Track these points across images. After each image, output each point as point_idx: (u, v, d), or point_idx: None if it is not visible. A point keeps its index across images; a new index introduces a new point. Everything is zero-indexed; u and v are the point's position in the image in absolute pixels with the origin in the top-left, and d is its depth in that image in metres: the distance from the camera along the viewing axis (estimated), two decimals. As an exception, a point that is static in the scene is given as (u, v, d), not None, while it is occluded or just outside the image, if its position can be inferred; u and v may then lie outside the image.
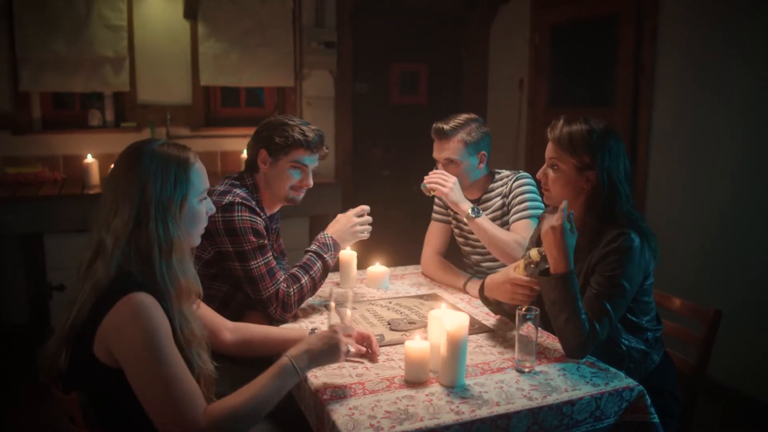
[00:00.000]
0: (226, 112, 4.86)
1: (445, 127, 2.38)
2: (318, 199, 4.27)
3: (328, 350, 1.56)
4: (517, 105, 4.78)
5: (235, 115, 4.86)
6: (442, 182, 2.33)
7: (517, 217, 2.36)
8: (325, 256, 2.14)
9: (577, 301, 1.73)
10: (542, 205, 2.38)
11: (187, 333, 1.48)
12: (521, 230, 2.32)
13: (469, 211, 2.29)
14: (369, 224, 2.26)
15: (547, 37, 4.53)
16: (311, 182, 2.21)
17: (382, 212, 5.28)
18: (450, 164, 2.40)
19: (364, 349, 1.79)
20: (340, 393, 1.57)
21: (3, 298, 4.00)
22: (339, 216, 2.27)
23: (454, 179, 2.34)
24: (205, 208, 1.57)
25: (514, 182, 2.43)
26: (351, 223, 2.22)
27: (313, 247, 2.16)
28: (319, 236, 2.19)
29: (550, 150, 1.91)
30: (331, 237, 2.18)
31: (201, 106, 4.63)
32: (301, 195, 2.22)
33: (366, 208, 2.27)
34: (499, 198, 2.45)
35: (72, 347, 1.40)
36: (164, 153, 1.48)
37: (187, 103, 4.57)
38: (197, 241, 1.59)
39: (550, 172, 1.91)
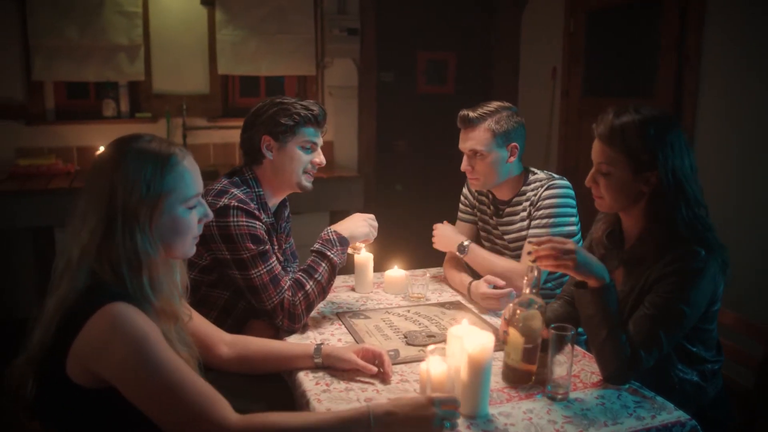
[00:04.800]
0: (245, 102, 4.70)
1: (471, 114, 2.14)
2: (339, 194, 4.11)
3: (416, 422, 1.27)
4: (550, 95, 4.54)
5: (254, 105, 4.65)
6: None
7: (532, 234, 2.11)
8: (329, 254, 1.93)
9: (617, 318, 1.52)
10: (569, 220, 2.11)
11: None
12: (525, 256, 2.10)
13: (456, 251, 2.26)
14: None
15: (582, 24, 4.29)
16: (323, 159, 2.05)
17: (405, 210, 5.12)
18: (475, 156, 2.16)
19: (375, 369, 1.60)
20: (345, 422, 1.38)
21: (13, 292, 3.92)
22: (354, 215, 2.10)
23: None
24: (196, 216, 1.36)
25: (544, 191, 2.15)
26: (362, 218, 2.06)
27: (316, 245, 1.96)
28: (322, 233, 1.99)
29: (597, 151, 1.62)
30: (334, 232, 1.97)
31: (219, 95, 4.48)
32: (312, 179, 2.04)
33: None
34: (527, 205, 2.19)
35: (41, 371, 1.24)
36: (141, 151, 1.29)
37: (204, 93, 4.42)
38: (189, 251, 1.38)
39: (601, 178, 1.62)
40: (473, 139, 2.14)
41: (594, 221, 1.87)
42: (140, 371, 1.17)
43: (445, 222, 2.36)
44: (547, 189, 2.15)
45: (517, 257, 2.20)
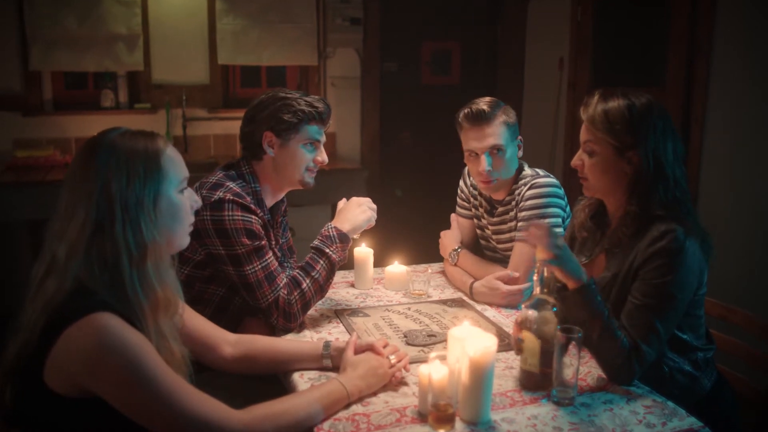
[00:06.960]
0: (246, 92, 4.63)
1: (486, 108, 1.99)
2: (342, 186, 4.03)
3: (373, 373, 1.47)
4: (557, 86, 4.45)
5: (255, 95, 4.56)
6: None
7: (517, 239, 2.03)
8: (327, 251, 1.85)
9: (605, 313, 1.48)
10: (554, 221, 1.99)
11: (165, 353, 1.26)
12: (515, 257, 2.02)
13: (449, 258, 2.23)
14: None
15: (590, 12, 4.19)
16: (326, 158, 1.97)
17: (408, 203, 5.05)
18: (497, 154, 2.01)
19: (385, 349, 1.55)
20: (339, 427, 1.32)
21: (10, 286, 3.86)
22: (345, 203, 1.99)
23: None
24: (188, 201, 1.34)
25: (527, 190, 2.04)
26: (358, 204, 1.94)
27: (315, 242, 1.89)
28: (323, 229, 1.92)
29: (584, 132, 1.67)
30: (335, 228, 1.89)
31: (219, 86, 4.42)
32: (314, 176, 1.98)
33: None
34: (514, 205, 2.10)
35: (20, 378, 1.19)
36: (127, 143, 1.25)
37: (204, 83, 4.36)
38: (185, 240, 1.36)
39: (586, 158, 1.66)
40: (493, 135, 2.00)
41: (575, 205, 1.86)
42: (138, 389, 1.14)
43: (452, 215, 2.31)
44: (529, 188, 2.04)
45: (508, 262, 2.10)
